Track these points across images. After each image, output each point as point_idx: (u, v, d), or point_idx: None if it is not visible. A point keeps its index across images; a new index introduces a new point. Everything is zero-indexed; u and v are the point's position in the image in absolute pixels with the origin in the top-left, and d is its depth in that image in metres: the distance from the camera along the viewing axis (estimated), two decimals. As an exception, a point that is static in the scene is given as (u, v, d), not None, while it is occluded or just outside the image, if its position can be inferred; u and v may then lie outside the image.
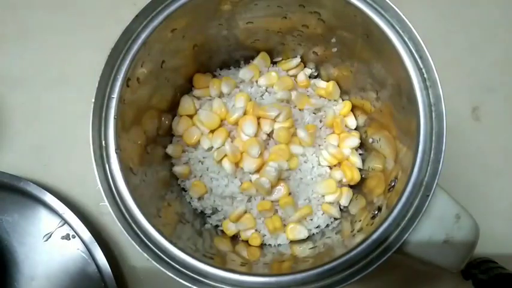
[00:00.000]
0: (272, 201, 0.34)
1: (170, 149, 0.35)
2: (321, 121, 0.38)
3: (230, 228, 0.35)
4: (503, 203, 0.42)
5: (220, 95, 0.37)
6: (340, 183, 0.36)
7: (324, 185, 0.35)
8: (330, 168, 0.37)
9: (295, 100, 0.37)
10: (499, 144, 0.43)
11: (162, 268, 0.26)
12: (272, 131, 0.35)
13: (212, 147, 0.35)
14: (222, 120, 0.36)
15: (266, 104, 0.36)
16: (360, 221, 0.32)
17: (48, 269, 0.38)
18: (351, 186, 0.37)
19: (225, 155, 0.34)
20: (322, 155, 0.36)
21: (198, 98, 0.38)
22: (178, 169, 0.36)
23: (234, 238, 0.36)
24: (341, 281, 0.25)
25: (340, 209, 0.36)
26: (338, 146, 0.36)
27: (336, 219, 0.36)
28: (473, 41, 0.45)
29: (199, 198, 0.36)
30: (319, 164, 0.36)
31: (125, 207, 0.27)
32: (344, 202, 0.36)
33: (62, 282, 0.38)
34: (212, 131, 0.36)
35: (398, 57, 0.27)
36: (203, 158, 0.36)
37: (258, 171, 0.34)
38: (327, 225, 0.36)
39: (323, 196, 0.36)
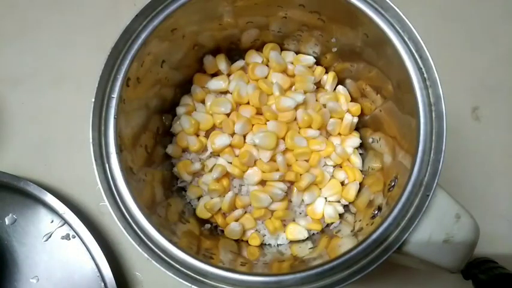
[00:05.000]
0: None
1: (170, 149, 0.35)
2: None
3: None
4: (503, 203, 0.42)
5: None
6: (342, 184, 0.36)
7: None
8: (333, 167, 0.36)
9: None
10: (499, 144, 0.43)
11: (162, 268, 0.26)
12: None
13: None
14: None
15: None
16: (360, 220, 0.32)
17: (48, 269, 0.39)
18: (351, 186, 0.37)
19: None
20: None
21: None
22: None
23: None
24: (341, 281, 0.25)
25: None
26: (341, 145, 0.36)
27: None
28: (474, 41, 0.45)
29: (199, 198, 0.36)
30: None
31: (125, 207, 0.27)
32: (345, 200, 0.36)
33: (62, 282, 0.38)
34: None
35: (398, 57, 0.27)
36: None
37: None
38: (327, 225, 0.36)
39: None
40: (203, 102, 0.37)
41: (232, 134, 0.34)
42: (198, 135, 0.35)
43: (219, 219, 0.35)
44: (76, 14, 0.46)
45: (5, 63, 0.45)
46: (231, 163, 0.34)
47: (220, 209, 0.34)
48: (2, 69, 0.45)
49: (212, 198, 0.34)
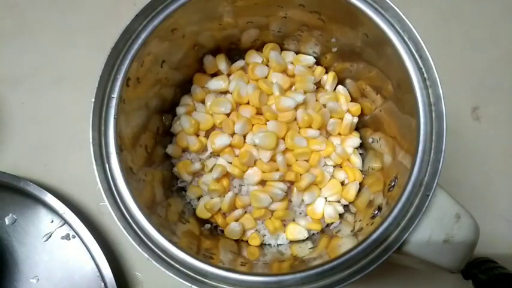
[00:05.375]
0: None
1: (170, 149, 0.35)
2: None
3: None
4: (503, 203, 0.42)
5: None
6: (342, 184, 0.36)
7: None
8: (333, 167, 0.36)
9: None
10: (499, 144, 0.43)
11: (162, 268, 0.26)
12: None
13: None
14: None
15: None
16: (360, 220, 0.32)
17: (48, 269, 0.39)
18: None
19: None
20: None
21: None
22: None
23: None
24: (341, 281, 0.25)
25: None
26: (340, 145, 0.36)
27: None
28: (474, 41, 0.45)
29: (199, 198, 0.36)
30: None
31: (125, 207, 0.27)
32: (345, 200, 0.36)
33: (62, 282, 0.38)
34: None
35: (398, 57, 0.27)
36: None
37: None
38: (327, 225, 0.36)
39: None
40: (203, 102, 0.37)
41: (232, 134, 0.34)
42: (198, 135, 0.35)
43: (219, 219, 0.35)
44: (76, 14, 0.46)
45: (5, 63, 0.45)
46: (231, 163, 0.34)
47: (220, 209, 0.34)
48: (2, 69, 0.45)
49: (212, 198, 0.34)
